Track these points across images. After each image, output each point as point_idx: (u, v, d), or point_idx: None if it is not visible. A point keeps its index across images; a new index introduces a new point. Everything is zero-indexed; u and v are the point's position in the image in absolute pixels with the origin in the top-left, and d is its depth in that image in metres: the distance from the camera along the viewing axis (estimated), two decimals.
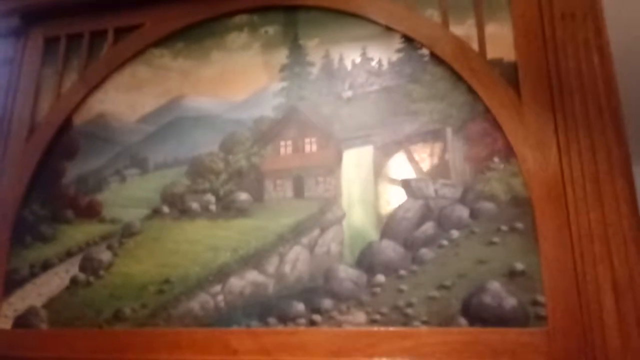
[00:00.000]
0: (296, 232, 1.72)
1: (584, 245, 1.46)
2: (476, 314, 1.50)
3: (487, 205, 1.59)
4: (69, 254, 1.92)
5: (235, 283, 1.72)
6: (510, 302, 1.49)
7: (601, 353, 1.37)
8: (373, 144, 1.74)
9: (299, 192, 1.77)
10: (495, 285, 1.51)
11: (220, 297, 1.71)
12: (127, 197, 1.93)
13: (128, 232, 1.88)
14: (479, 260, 1.55)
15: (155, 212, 1.88)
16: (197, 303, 1.72)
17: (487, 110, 1.67)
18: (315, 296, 1.63)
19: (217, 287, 1.72)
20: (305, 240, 1.71)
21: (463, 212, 1.61)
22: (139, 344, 1.72)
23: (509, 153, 1.62)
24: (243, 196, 1.81)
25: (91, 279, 1.85)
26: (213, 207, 1.83)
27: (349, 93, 1.81)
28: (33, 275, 1.92)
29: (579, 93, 1.58)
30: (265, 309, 1.66)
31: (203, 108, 1.95)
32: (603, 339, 1.38)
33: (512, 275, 1.51)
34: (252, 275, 1.71)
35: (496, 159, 1.62)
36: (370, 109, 1.78)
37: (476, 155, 1.65)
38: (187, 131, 1.94)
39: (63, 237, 1.94)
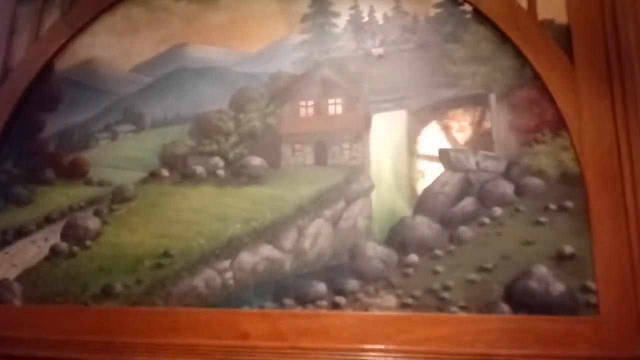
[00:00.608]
0: (318, 203, 1.53)
1: None
2: (521, 300, 1.36)
3: (535, 182, 1.44)
4: (49, 220, 1.67)
5: (247, 259, 1.52)
6: (559, 288, 1.35)
7: None
8: (407, 109, 1.56)
9: (321, 159, 1.57)
10: (542, 270, 1.37)
11: (229, 275, 1.52)
12: (120, 157, 1.69)
13: (120, 197, 1.65)
14: (524, 242, 1.41)
15: (153, 176, 1.65)
16: (202, 280, 1.52)
17: (537, 77, 1.50)
18: (339, 276, 1.46)
19: (226, 263, 1.52)
20: (328, 213, 1.52)
21: (507, 188, 1.45)
22: (132, 324, 1.51)
23: (559, 125, 1.46)
24: (256, 161, 1.59)
25: (75, 249, 1.61)
26: (221, 172, 1.61)
27: (380, 50, 1.61)
28: (5, 243, 1.67)
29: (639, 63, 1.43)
30: (282, 289, 1.48)
31: (210, 59, 1.71)
32: None
33: (560, 258, 1.38)
34: (267, 251, 1.52)
35: (545, 131, 1.47)
36: (404, 69, 1.59)
37: (523, 126, 1.49)
38: (191, 85, 1.70)
39: (42, 200, 1.69)
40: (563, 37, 1.52)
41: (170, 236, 1.57)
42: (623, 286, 1.32)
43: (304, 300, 1.46)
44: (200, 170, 1.62)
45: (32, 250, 1.64)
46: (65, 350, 1.51)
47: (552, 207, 1.42)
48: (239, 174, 1.60)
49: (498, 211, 1.44)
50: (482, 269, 1.40)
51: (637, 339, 1.28)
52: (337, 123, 1.58)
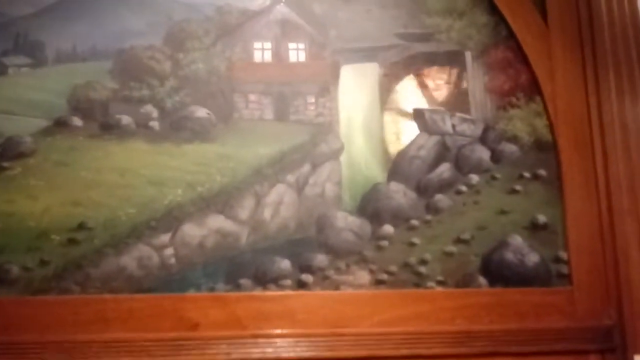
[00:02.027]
0: (279, 166, 1.30)
1: (613, 198, 1.33)
2: (497, 272, 1.30)
3: (510, 148, 1.37)
4: None
5: (192, 231, 1.25)
6: (533, 258, 1.32)
7: (629, 313, 1.28)
8: (378, 61, 1.38)
9: (282, 113, 1.33)
10: (517, 240, 1.32)
11: (169, 251, 1.23)
12: (10, 98, 1.27)
13: (13, 151, 1.24)
14: (500, 211, 1.34)
15: (60, 125, 1.27)
16: (133, 259, 1.22)
17: (511, 36, 1.42)
18: (305, 250, 1.27)
19: (164, 237, 1.24)
20: (291, 177, 1.30)
21: (484, 153, 1.37)
22: (37, 317, 1.16)
23: (533, 89, 1.41)
24: (201, 112, 1.30)
25: None
26: (155, 124, 1.29)
27: None
28: None
29: (610, 30, 1.42)
30: (237, 267, 1.25)
31: None
32: (630, 299, 1.28)
33: (534, 228, 1.34)
34: (217, 222, 1.26)
35: (519, 95, 1.40)
36: (374, 16, 1.40)
37: (498, 88, 1.40)
38: (110, 10, 1.33)
39: None
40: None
41: (86, 203, 1.22)
42: (593, 256, 1.32)
43: (264, 279, 1.24)
44: (126, 120, 1.28)
45: None
46: None
47: (526, 174, 1.37)
48: (178, 127, 1.29)
49: (474, 178, 1.35)
50: (459, 240, 1.31)
51: (607, 308, 1.29)
52: (300, 72, 1.35)
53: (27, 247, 1.19)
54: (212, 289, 1.23)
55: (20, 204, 1.22)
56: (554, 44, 1.42)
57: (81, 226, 1.21)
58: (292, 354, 1.20)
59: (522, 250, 1.32)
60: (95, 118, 1.28)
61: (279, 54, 1.36)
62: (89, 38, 1.31)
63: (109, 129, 1.28)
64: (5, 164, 1.23)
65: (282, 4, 1.37)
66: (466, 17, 1.42)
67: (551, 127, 1.39)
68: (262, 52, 1.35)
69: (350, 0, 1.40)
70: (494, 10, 1.43)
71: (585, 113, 1.39)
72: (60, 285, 1.19)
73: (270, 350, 1.18)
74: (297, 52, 1.36)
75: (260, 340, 1.19)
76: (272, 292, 1.24)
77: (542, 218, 1.34)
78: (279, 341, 1.20)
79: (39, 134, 1.26)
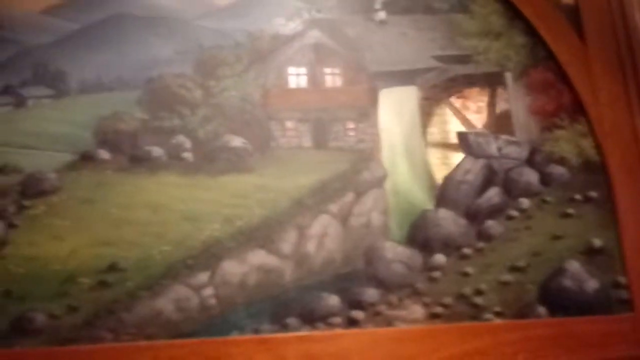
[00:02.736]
0: (320, 196, 1.22)
1: None
2: (556, 300, 1.22)
3: (558, 170, 1.32)
4: None
5: (232, 269, 1.15)
6: (592, 284, 1.24)
7: None
8: (417, 85, 1.33)
9: (321, 140, 1.27)
10: (574, 266, 1.25)
11: (208, 291, 1.14)
12: (31, 132, 1.18)
13: (35, 189, 1.15)
14: (553, 236, 1.28)
15: (86, 159, 1.19)
16: (170, 301, 1.12)
17: (550, 57, 1.39)
18: (354, 285, 1.18)
19: (203, 276, 1.14)
20: (334, 207, 1.22)
21: (532, 176, 1.31)
22: None
23: (576, 109, 1.36)
24: (237, 141, 1.23)
25: None
26: (188, 156, 1.21)
27: (382, 14, 1.35)
28: None
29: None
30: (282, 306, 1.15)
31: (162, 5, 1.29)
32: None
33: (590, 252, 1.27)
34: (259, 257, 1.17)
35: (563, 116, 1.36)
36: (410, 39, 1.35)
37: (541, 109, 1.36)
38: (137, 38, 1.26)
39: None
40: (571, 17, 1.43)
41: (117, 243, 1.13)
42: None
43: (311, 318, 1.15)
44: (157, 151, 1.20)
45: None
46: None
47: (578, 197, 1.31)
48: (213, 158, 1.21)
49: (525, 202, 1.29)
50: (514, 268, 1.24)
51: None
52: (337, 97, 1.29)
53: (54, 293, 1.09)
54: (256, 331, 1.13)
55: (44, 247, 1.11)
56: (593, 63, 1.39)
57: (112, 267, 1.11)
58: None
59: (580, 276, 1.24)
60: (123, 151, 1.20)
61: (315, 79, 1.30)
62: (114, 67, 1.24)
63: (138, 161, 1.19)
64: (27, 203, 1.14)
65: (314, 28, 1.32)
66: (503, 38, 1.39)
67: (599, 148, 1.34)
68: (296, 77, 1.29)
69: (384, 24, 1.36)
70: (530, 31, 1.40)
71: (631, 132, 1.34)
72: (91, 333, 1.08)
73: None
74: (332, 77, 1.30)
75: None
76: (322, 332, 1.14)
77: (597, 242, 1.28)
78: None
79: (63, 170, 1.17)
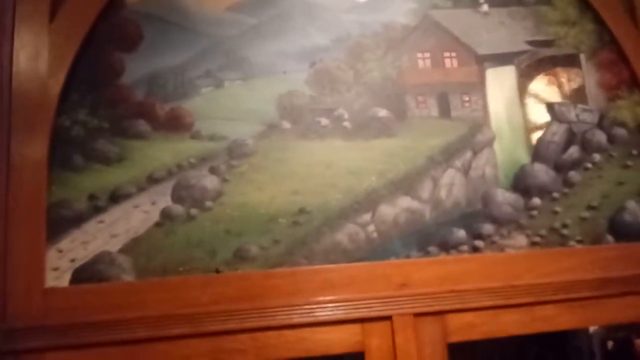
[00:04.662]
0: (447, 154, 1.58)
1: None
2: (620, 230, 1.62)
3: (621, 131, 1.70)
4: (153, 181, 1.42)
5: (387, 211, 1.51)
6: None
7: None
8: (515, 65, 1.67)
9: (444, 110, 1.61)
10: (632, 204, 1.64)
11: (371, 227, 1.50)
12: (230, 107, 1.50)
13: (239, 152, 1.48)
14: (618, 182, 1.66)
15: (272, 128, 1.51)
16: (345, 235, 1.47)
17: (613, 41, 1.74)
18: (475, 221, 1.55)
19: (366, 217, 1.50)
20: (458, 163, 1.58)
21: (601, 137, 1.68)
22: (279, 286, 1.41)
23: (633, 83, 1.73)
24: (382, 112, 1.57)
25: (194, 211, 1.42)
26: (347, 125, 1.55)
27: (485, 7, 1.68)
28: (96, 209, 1.38)
29: None
30: (425, 238, 1.52)
31: (317, 3, 1.59)
32: None
33: None
34: (405, 202, 1.53)
35: (623, 88, 1.72)
36: (507, 27, 1.69)
37: (607, 83, 1.72)
38: (299, 29, 1.57)
39: (137, 157, 1.42)
40: (627, 7, 1.77)
41: (303, 192, 1.47)
42: None
43: (446, 246, 1.52)
44: (324, 122, 1.53)
45: (136, 216, 1.38)
46: (204, 323, 1.34)
47: (634, 152, 1.69)
48: (366, 126, 1.55)
49: (597, 157, 1.67)
50: (590, 207, 1.62)
51: None
52: (455, 75, 1.63)
53: (261, 230, 1.44)
54: (407, 256, 1.50)
55: (251, 195, 1.45)
56: None
57: (301, 211, 1.46)
58: (475, 304, 1.48)
59: (636, 212, 1.64)
60: (300, 121, 1.53)
61: (437, 62, 1.63)
62: (284, 53, 1.55)
63: (312, 129, 1.53)
64: (234, 163, 1.47)
65: (433, 18, 1.64)
66: (578, 26, 1.73)
67: None
68: (423, 60, 1.62)
69: (487, 15, 1.69)
70: (598, 19, 1.75)
71: None
72: (292, 259, 1.44)
73: (460, 300, 1.46)
74: (450, 59, 1.63)
75: (454, 294, 1.47)
76: (453, 256, 1.52)
77: None
78: (468, 295, 1.48)
79: (257, 137, 1.49)
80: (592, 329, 2.17)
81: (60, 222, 1.36)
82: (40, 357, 1.26)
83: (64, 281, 1.34)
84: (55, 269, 1.33)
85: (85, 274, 1.34)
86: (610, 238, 1.61)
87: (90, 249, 1.35)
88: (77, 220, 1.37)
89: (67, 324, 1.28)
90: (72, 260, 1.34)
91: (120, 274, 1.35)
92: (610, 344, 2.16)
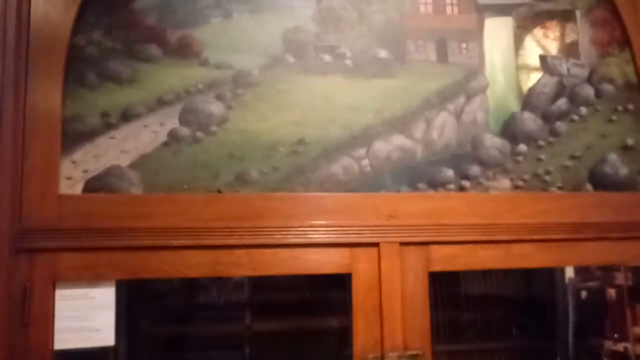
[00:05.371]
0: (442, 97, 1.66)
1: None
2: (599, 180, 1.72)
3: (608, 87, 1.78)
4: (162, 103, 1.50)
5: (381, 147, 1.60)
6: (624, 171, 1.74)
7: None
8: (512, 16, 1.74)
9: (442, 55, 1.68)
10: (613, 157, 1.74)
11: (365, 162, 1.59)
12: (237, 38, 1.56)
13: (244, 81, 1.55)
14: (601, 135, 1.75)
15: (277, 61, 1.58)
16: (340, 167, 1.57)
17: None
18: (464, 163, 1.65)
19: (361, 151, 1.59)
20: (451, 107, 1.67)
21: (590, 91, 1.77)
22: (277, 209, 1.51)
23: (624, 42, 1.81)
24: (383, 53, 1.64)
25: (199, 134, 1.50)
26: (349, 63, 1.62)
27: None
28: (109, 126, 1.46)
29: None
30: (415, 175, 1.61)
31: None
32: None
33: (624, 148, 1.76)
34: (399, 140, 1.62)
35: (614, 45, 1.80)
36: None
37: (600, 40, 1.79)
38: None
39: (148, 79, 1.50)
40: None
41: (304, 123, 1.56)
42: None
43: (435, 184, 1.62)
44: (327, 58, 1.60)
45: (145, 135, 1.47)
46: (205, 237, 1.44)
47: (619, 108, 1.77)
48: (366, 65, 1.63)
49: (583, 110, 1.75)
50: (573, 157, 1.72)
51: None
52: (455, 22, 1.70)
53: (262, 156, 1.52)
54: (398, 190, 1.60)
55: (254, 123, 1.54)
56: (638, 6, 1.81)
57: (301, 141, 1.55)
58: (458, 238, 1.59)
59: (616, 164, 1.74)
60: (304, 56, 1.60)
61: (438, 8, 1.70)
62: None
63: (315, 65, 1.60)
64: (239, 91, 1.54)
65: None
66: None
67: (637, 72, 1.80)
68: (425, 5, 1.68)
69: None
70: None
71: None
72: (289, 186, 1.53)
73: (444, 233, 1.56)
74: (451, 7, 1.70)
75: (439, 227, 1.58)
76: (441, 193, 1.62)
77: (630, 141, 1.76)
78: (452, 229, 1.59)
79: (262, 68, 1.56)
80: (567, 278, 2.30)
81: (74, 135, 1.44)
82: (54, 257, 1.36)
83: (77, 189, 1.43)
84: (69, 178, 1.42)
85: (97, 185, 1.43)
86: (589, 187, 1.72)
87: (102, 162, 1.44)
88: (90, 134, 1.45)
89: (79, 228, 1.37)
90: (85, 171, 1.43)
91: (129, 187, 1.44)
92: (584, 293, 2.30)
